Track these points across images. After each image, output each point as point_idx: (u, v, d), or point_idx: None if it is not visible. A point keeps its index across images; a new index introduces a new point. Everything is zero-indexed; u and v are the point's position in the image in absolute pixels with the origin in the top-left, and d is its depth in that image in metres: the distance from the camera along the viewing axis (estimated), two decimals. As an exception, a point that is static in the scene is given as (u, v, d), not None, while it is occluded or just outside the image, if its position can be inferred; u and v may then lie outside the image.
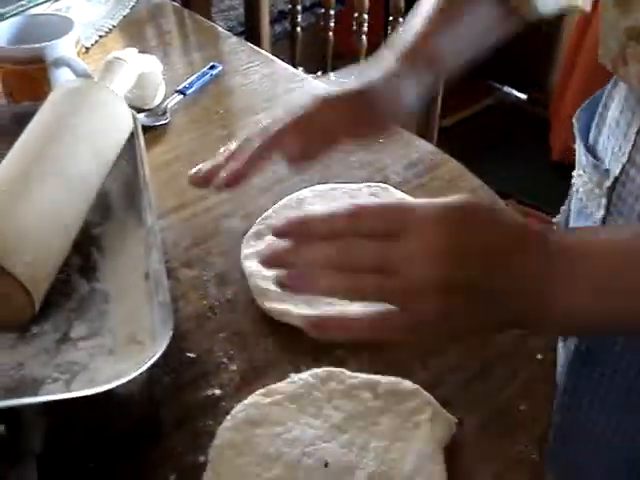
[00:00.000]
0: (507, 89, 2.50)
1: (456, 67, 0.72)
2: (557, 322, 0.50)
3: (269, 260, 0.51)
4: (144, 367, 0.51)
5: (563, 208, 0.86)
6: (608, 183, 0.67)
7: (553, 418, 0.61)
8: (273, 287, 0.63)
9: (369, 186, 0.83)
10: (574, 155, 0.77)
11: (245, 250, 0.74)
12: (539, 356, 0.64)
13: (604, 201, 0.68)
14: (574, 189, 0.78)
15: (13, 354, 0.61)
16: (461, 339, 0.61)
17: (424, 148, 0.92)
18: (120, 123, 0.78)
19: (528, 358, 0.64)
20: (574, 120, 0.76)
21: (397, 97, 0.68)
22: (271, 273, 0.61)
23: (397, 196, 0.81)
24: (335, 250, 0.49)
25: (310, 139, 0.66)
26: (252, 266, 0.71)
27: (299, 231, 0.51)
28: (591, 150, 0.73)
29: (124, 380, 0.50)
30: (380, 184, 0.82)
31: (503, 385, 0.63)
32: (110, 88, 0.80)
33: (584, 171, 0.73)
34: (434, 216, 0.48)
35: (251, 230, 0.76)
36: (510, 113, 2.48)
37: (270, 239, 0.73)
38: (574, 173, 0.78)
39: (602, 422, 0.71)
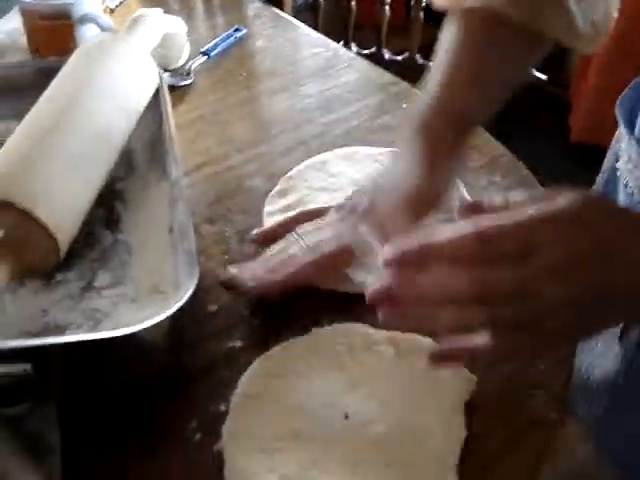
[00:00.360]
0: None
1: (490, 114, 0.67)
2: None
3: (379, 297, 0.46)
4: (170, 311, 0.51)
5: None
6: None
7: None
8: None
9: (393, 151, 0.82)
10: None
11: (268, 207, 0.74)
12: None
13: None
14: (622, 182, 0.74)
15: (37, 301, 0.62)
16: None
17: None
18: (146, 78, 0.78)
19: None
20: (617, 106, 0.70)
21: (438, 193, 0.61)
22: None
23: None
24: (467, 280, 0.44)
25: None
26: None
27: (419, 259, 0.45)
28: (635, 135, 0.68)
29: (149, 324, 0.50)
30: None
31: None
32: (136, 43, 0.80)
33: (629, 158, 0.69)
34: (559, 225, 0.45)
35: (275, 189, 0.76)
36: (530, 94, 2.46)
37: (292, 198, 0.74)
38: (620, 160, 0.74)
39: None
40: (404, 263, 0.45)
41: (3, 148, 0.67)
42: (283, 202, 0.74)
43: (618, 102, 0.70)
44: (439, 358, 0.50)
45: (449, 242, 0.44)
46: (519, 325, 0.45)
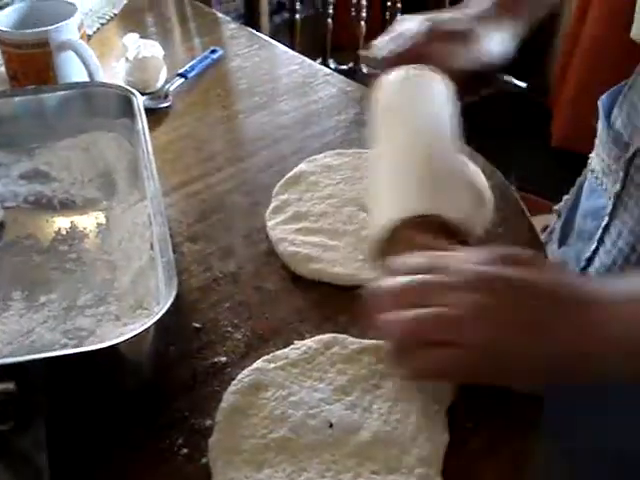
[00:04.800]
0: (506, 77, 2.51)
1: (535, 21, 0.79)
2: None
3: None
4: (149, 323, 0.52)
5: (566, 197, 0.88)
6: (628, 155, 0.69)
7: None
8: (301, 250, 0.70)
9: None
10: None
11: (270, 222, 0.76)
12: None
13: (621, 175, 0.71)
14: (589, 169, 0.79)
15: (22, 322, 0.63)
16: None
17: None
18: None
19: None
20: (599, 103, 0.79)
21: (485, 38, 0.74)
22: (299, 239, 0.71)
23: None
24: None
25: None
26: (279, 234, 0.73)
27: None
28: (612, 127, 0.76)
29: (128, 336, 0.51)
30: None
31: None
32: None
33: (603, 149, 0.76)
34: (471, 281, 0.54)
35: (270, 206, 0.78)
36: (510, 101, 2.49)
37: (289, 211, 0.76)
38: (591, 155, 0.79)
39: None
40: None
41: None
42: (282, 216, 0.76)
43: (600, 100, 0.79)
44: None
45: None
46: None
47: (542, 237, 0.90)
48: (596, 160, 0.79)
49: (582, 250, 0.79)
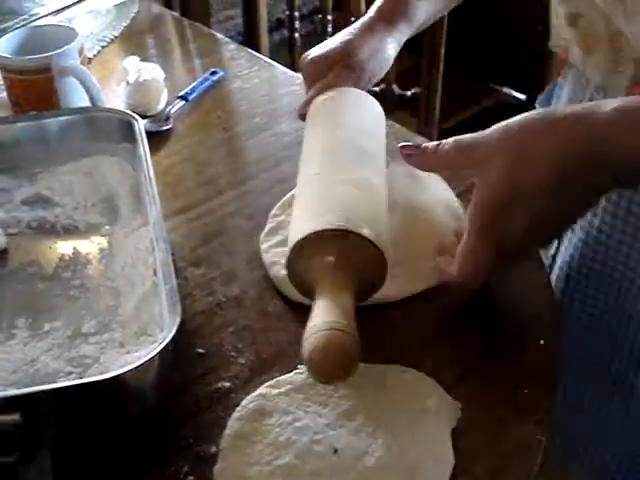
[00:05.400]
0: (506, 90, 2.51)
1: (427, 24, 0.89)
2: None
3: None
4: (154, 352, 0.52)
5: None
6: None
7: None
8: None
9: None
10: None
11: (263, 245, 0.76)
12: (542, 341, 0.65)
13: None
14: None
15: (26, 351, 0.63)
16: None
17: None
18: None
19: (531, 343, 0.66)
20: (537, 104, 0.87)
21: (374, 50, 0.80)
22: None
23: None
24: None
25: None
26: (272, 257, 0.74)
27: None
28: None
29: (133, 366, 0.51)
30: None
31: (506, 370, 0.64)
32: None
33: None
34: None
35: (266, 228, 0.78)
36: (510, 114, 2.49)
37: (284, 233, 0.76)
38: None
39: None
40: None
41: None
42: (276, 238, 0.76)
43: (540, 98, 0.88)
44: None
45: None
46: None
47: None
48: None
49: None
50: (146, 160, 0.74)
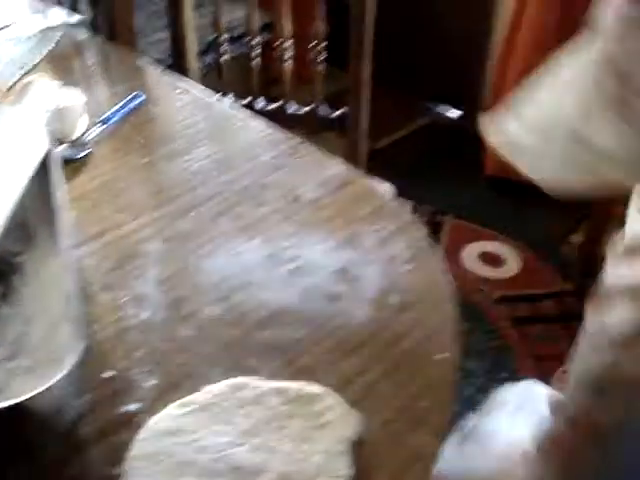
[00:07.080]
0: (440, 107, 2.57)
1: None
2: None
3: None
4: (53, 381, 0.54)
5: None
6: None
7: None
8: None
9: None
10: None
11: None
12: (438, 356, 0.68)
13: None
14: None
15: None
16: None
17: (335, 167, 0.95)
18: (30, 146, 0.81)
19: (429, 359, 0.68)
20: None
21: None
22: None
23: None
24: None
25: None
26: None
27: None
28: None
29: (33, 393, 0.52)
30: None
31: (406, 384, 0.66)
32: (20, 112, 0.82)
33: None
34: None
35: None
36: (444, 131, 2.55)
37: None
38: None
39: None
40: None
41: None
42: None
43: None
44: None
45: None
46: None
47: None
48: None
49: None
50: (56, 189, 0.75)
